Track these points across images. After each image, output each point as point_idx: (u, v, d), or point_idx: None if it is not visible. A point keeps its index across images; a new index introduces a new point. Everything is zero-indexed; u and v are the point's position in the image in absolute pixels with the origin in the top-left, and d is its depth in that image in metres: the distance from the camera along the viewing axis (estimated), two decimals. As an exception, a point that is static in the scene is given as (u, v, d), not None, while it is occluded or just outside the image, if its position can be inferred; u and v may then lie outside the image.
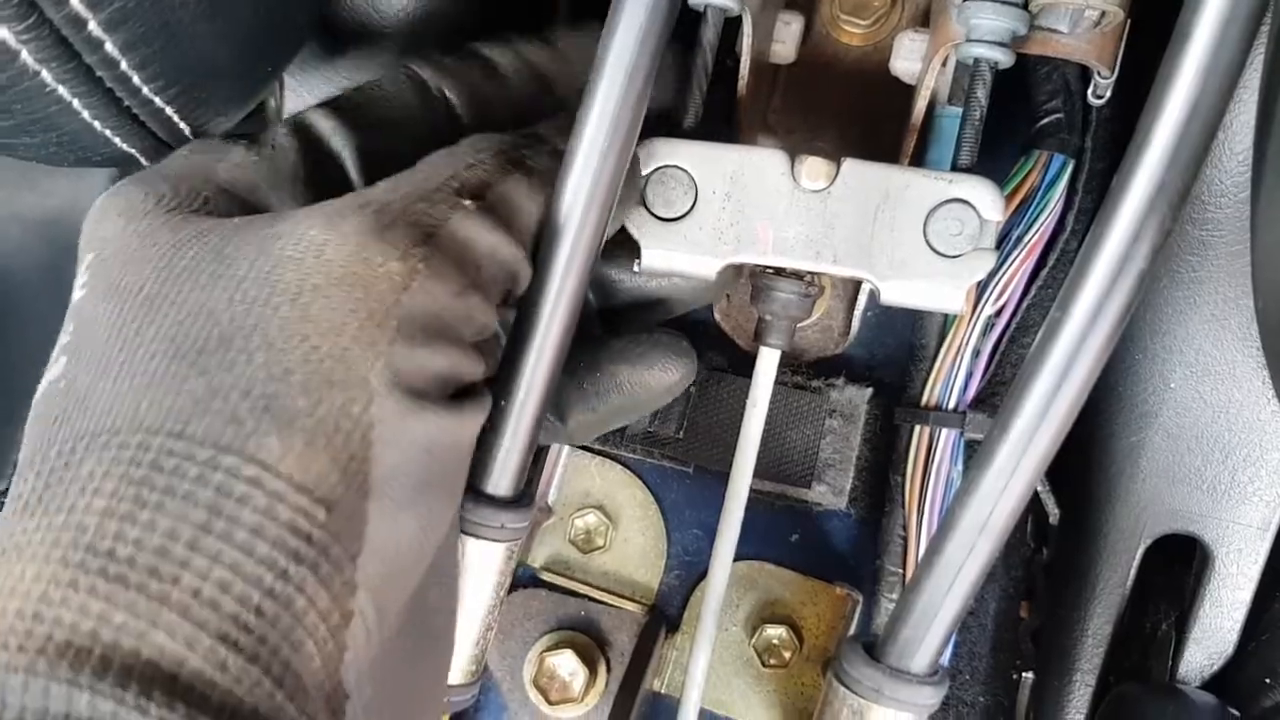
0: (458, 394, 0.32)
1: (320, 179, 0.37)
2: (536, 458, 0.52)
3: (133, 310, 0.30)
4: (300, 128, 0.38)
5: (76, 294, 0.32)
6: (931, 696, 0.37)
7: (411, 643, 0.32)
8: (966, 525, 0.34)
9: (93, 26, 0.30)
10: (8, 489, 0.30)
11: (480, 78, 0.41)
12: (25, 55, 0.29)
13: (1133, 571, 0.49)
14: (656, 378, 0.44)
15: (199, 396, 0.28)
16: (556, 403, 0.45)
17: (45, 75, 0.30)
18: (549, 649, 0.56)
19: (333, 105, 0.38)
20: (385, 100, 0.39)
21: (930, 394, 0.51)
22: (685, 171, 0.42)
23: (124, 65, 0.32)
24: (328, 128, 0.38)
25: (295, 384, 0.28)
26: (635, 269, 0.43)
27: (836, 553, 0.57)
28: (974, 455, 0.35)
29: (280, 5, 0.37)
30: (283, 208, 0.35)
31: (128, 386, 0.29)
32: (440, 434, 0.31)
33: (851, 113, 0.52)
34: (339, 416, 0.28)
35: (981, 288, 0.49)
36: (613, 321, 0.48)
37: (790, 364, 0.58)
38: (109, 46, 0.31)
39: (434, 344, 0.31)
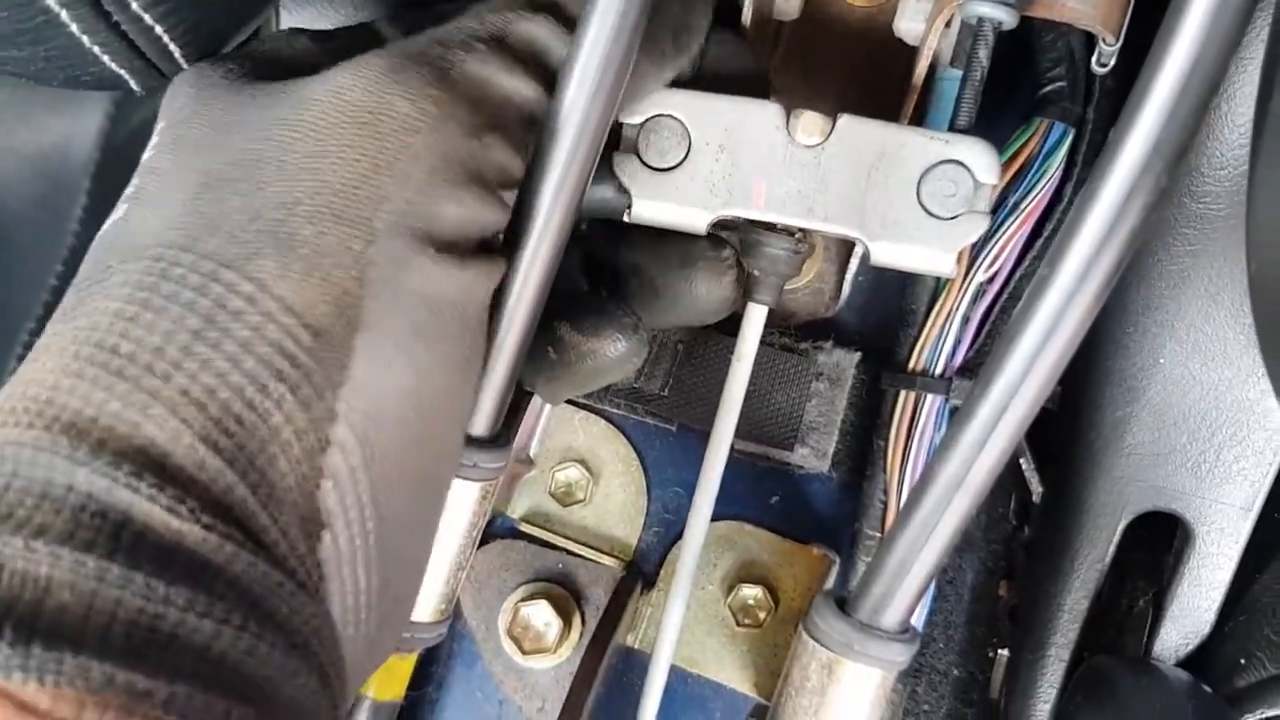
0: (476, 248, 0.33)
1: None
2: (517, 406, 0.51)
3: (184, 155, 0.32)
4: (370, 30, 0.38)
5: (146, 155, 0.34)
6: (902, 653, 0.37)
7: (415, 512, 0.33)
8: (944, 482, 0.34)
9: (80, -66, 0.29)
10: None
11: None
12: (9, -41, 0.29)
13: (1112, 547, 0.48)
14: (602, 347, 0.43)
15: (212, 218, 0.30)
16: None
17: (32, -18, 0.30)
18: (524, 600, 0.56)
19: (399, 19, 0.39)
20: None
21: (917, 359, 0.51)
22: (679, 121, 0.42)
23: (113, -22, 0.31)
24: (393, 35, 0.38)
25: (301, 213, 0.30)
26: (625, 219, 0.43)
27: (817, 515, 0.57)
28: (956, 413, 0.35)
29: (279, -75, 0.37)
30: None
31: (163, 214, 0.31)
32: (439, 286, 0.31)
33: (853, 74, 0.52)
34: (338, 251, 0.30)
35: (974, 253, 0.48)
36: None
37: (779, 326, 0.58)
38: (97, -44, 0.30)
39: (445, 189, 0.31)
